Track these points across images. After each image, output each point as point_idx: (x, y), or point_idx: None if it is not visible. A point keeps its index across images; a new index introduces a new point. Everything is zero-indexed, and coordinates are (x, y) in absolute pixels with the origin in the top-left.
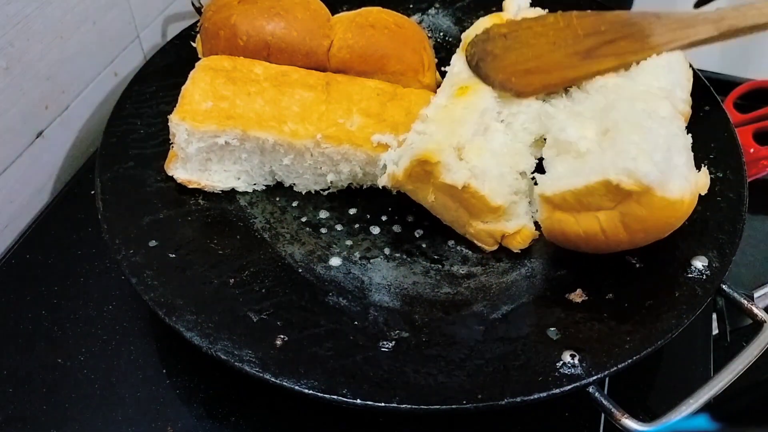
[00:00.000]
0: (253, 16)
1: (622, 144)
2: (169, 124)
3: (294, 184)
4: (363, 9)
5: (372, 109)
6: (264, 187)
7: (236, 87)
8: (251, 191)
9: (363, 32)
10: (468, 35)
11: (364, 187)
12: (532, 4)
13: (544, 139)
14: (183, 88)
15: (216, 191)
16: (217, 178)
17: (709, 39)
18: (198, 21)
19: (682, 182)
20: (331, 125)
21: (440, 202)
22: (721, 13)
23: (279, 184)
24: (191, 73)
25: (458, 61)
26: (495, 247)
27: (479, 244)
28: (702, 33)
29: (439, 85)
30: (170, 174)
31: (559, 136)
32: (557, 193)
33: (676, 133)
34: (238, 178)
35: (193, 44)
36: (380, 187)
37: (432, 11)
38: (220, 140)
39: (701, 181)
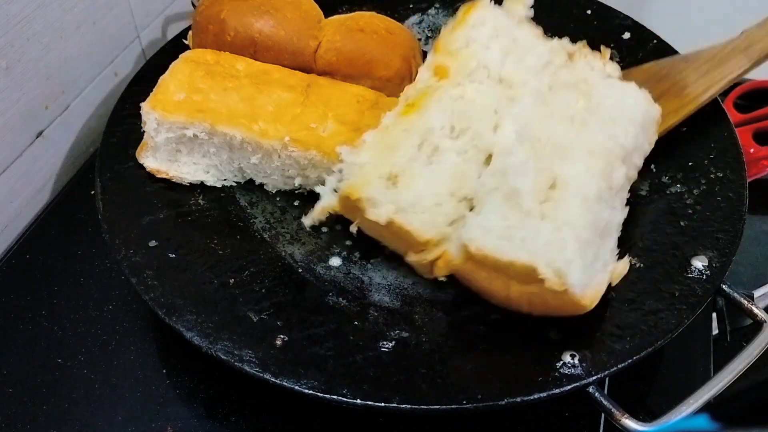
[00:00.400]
0: (243, 13)
1: (564, 227)
2: (141, 111)
3: (263, 183)
4: (356, 13)
5: (348, 116)
6: (234, 183)
7: (214, 81)
8: (226, 186)
9: (352, 35)
10: (442, 35)
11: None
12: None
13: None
14: (161, 77)
15: (184, 183)
16: (185, 170)
17: (743, 72)
18: None
19: (601, 280)
20: (302, 129)
21: (377, 233)
22: (748, 37)
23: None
24: (172, 63)
25: (425, 71)
26: (435, 276)
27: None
28: (735, 68)
29: None
30: (140, 161)
31: (507, 174)
32: (481, 252)
33: (617, 213)
34: (207, 172)
35: (185, 41)
36: None
37: (432, 11)
38: (188, 132)
39: (618, 270)
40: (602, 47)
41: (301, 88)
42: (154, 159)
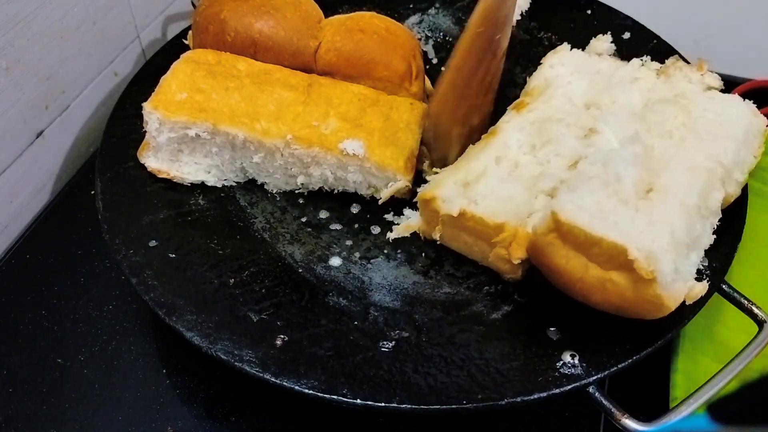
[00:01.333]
0: (243, 13)
1: (659, 223)
2: (142, 111)
3: (265, 182)
4: (356, 13)
5: (350, 113)
6: (235, 183)
7: (215, 81)
8: (226, 186)
9: (352, 36)
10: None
11: (336, 191)
12: (533, 5)
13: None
14: (162, 77)
15: (185, 183)
16: (187, 169)
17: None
18: None
19: (682, 289)
20: (304, 127)
21: (458, 240)
22: None
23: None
24: (174, 63)
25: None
26: (517, 274)
27: (506, 277)
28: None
29: (427, 94)
30: (142, 162)
31: (609, 164)
32: (571, 223)
33: (706, 233)
34: (209, 172)
35: (185, 41)
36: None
37: (432, 11)
38: (190, 132)
39: (695, 291)
40: (699, 59)
41: (303, 88)
42: (155, 159)
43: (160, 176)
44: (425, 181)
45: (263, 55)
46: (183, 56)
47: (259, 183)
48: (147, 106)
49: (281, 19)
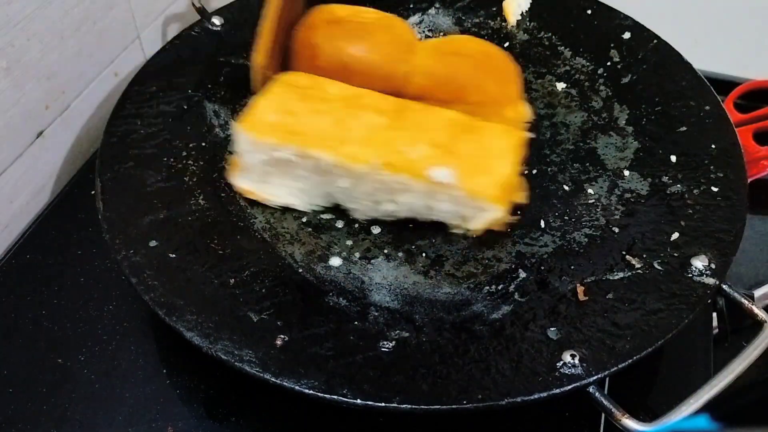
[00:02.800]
0: (335, 37)
1: None
2: (232, 131)
3: (351, 209)
4: (450, 36)
5: (441, 139)
6: (321, 208)
7: (306, 104)
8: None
9: (445, 59)
10: None
11: (428, 221)
12: (533, 5)
13: None
14: (253, 98)
15: (274, 206)
16: (275, 192)
17: None
18: (198, 21)
19: None
20: (392, 152)
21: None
22: None
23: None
24: (268, 84)
25: None
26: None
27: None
28: None
29: (529, 121)
30: (230, 181)
31: None
32: None
33: None
34: (296, 196)
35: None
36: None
37: (432, 11)
38: (279, 154)
39: None
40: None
41: (393, 112)
42: (244, 180)
43: (248, 197)
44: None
45: (354, 79)
46: (277, 78)
47: (345, 209)
48: (237, 126)
49: (373, 43)
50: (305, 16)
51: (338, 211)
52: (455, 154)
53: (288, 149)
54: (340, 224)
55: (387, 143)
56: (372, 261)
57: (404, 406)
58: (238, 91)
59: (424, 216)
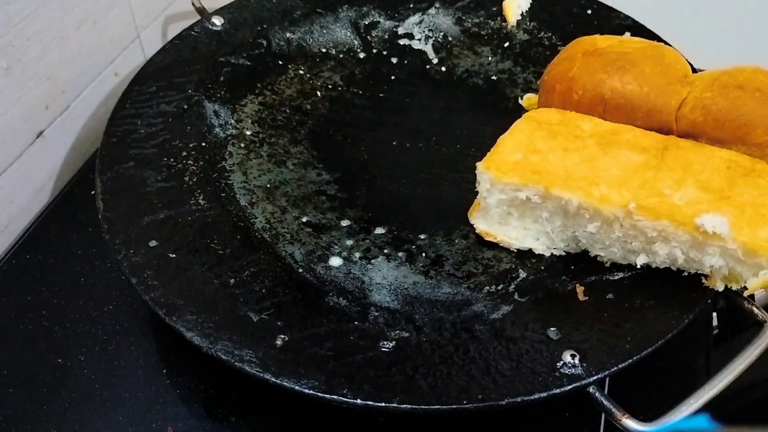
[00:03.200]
0: (594, 69)
1: None
2: (476, 171)
3: (599, 255)
4: (735, 67)
5: (714, 183)
6: (564, 253)
7: (554, 141)
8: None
9: (726, 92)
10: None
11: (687, 273)
12: (533, 5)
13: None
14: (501, 136)
15: (512, 249)
16: (514, 234)
17: None
18: (198, 21)
19: None
20: (652, 195)
21: None
22: None
23: None
24: (515, 122)
25: None
26: None
27: None
28: None
29: None
30: (471, 222)
31: None
32: None
33: None
34: (537, 239)
35: (520, 101)
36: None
37: (432, 11)
38: (521, 195)
39: None
40: None
41: (656, 150)
42: (484, 220)
43: (487, 239)
44: None
45: (613, 114)
46: (525, 115)
47: (592, 255)
48: (480, 166)
49: (638, 75)
50: (563, 50)
51: (338, 210)
52: (731, 201)
53: (530, 189)
54: (340, 224)
55: (646, 185)
56: (372, 261)
57: (404, 406)
58: (238, 91)
59: (687, 269)
